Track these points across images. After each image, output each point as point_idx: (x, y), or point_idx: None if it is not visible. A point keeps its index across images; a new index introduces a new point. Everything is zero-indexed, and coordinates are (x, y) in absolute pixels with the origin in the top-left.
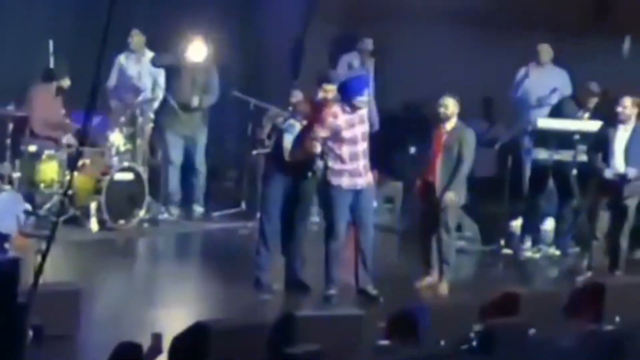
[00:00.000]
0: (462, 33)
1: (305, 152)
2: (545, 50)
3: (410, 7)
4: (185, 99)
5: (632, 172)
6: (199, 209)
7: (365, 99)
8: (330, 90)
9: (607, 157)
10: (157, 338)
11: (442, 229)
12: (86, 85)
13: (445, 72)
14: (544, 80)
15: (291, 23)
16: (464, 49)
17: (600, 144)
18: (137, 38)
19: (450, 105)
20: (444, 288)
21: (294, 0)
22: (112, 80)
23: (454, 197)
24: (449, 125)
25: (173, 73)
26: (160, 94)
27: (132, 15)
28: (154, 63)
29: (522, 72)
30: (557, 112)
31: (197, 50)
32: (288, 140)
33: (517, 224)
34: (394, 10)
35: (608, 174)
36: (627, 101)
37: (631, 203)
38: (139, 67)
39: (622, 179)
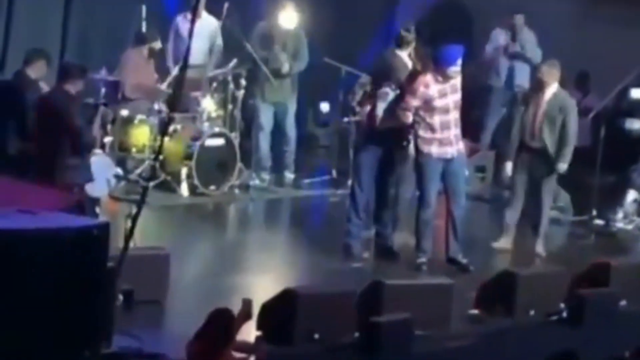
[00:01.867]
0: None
1: (397, 121)
2: None
3: None
4: (276, 65)
5: None
6: (289, 175)
7: (458, 68)
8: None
9: None
10: (247, 304)
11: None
12: None
13: (542, 42)
14: None
15: None
16: (560, 18)
17: None
18: None
19: (545, 73)
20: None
21: None
22: (170, 42)
23: (566, 167)
24: (548, 92)
25: (264, 39)
26: (214, 58)
27: None
28: (253, 33)
29: None
30: None
31: (288, 17)
32: (381, 108)
33: (629, 198)
34: None
35: None
36: None
37: None
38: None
39: None
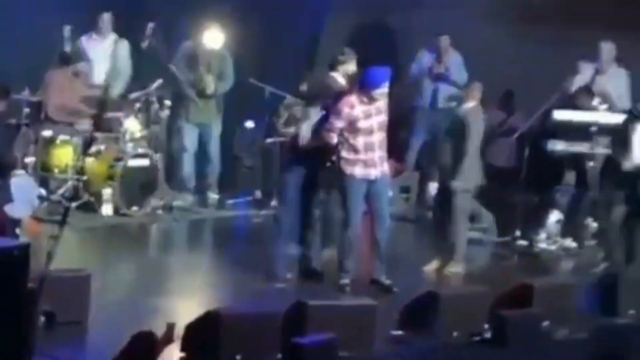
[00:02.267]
0: (486, 22)
1: (321, 141)
2: (608, 49)
3: None
4: (201, 85)
5: None
6: (213, 196)
7: (384, 90)
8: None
9: (626, 151)
10: (170, 327)
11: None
12: None
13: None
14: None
15: (309, 12)
16: (486, 39)
17: (621, 137)
18: (106, 17)
19: (465, 95)
20: (456, 268)
21: None
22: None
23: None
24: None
25: (189, 60)
26: (120, 82)
27: (149, 3)
28: (173, 57)
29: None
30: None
31: (213, 37)
32: (305, 128)
33: (552, 218)
34: None
35: (626, 166)
36: None
37: None
38: (98, 49)
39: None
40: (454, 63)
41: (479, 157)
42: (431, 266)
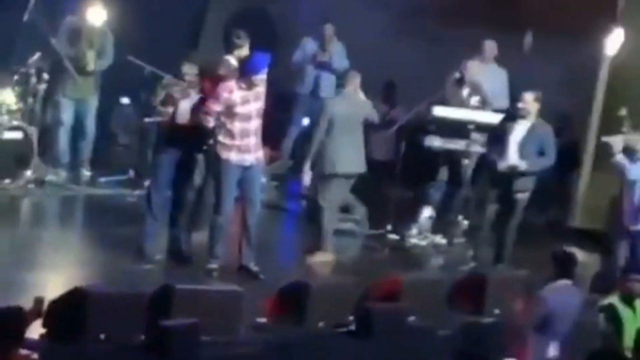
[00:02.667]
0: (373, 14)
1: (197, 122)
2: (490, 47)
3: None
4: (82, 62)
5: (523, 166)
6: (86, 172)
7: (263, 77)
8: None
9: (502, 151)
10: (39, 302)
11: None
12: None
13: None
14: (488, 78)
15: None
16: (370, 30)
17: (498, 137)
18: None
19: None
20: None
21: None
22: None
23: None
24: None
25: (72, 35)
26: None
27: None
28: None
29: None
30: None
31: (96, 14)
32: (184, 107)
33: (424, 214)
34: None
35: (501, 166)
36: (528, 96)
37: (520, 197)
38: None
39: (514, 172)
40: (337, 52)
41: (351, 144)
42: (315, 257)
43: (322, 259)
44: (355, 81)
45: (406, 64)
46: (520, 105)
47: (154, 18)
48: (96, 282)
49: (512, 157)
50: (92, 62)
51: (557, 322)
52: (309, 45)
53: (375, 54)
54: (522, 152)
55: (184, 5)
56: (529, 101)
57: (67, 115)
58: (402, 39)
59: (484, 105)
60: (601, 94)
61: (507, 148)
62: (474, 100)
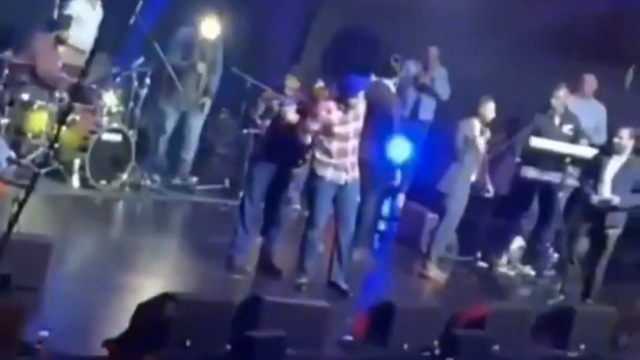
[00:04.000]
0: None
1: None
2: (590, 82)
3: (429, 6)
4: (193, 73)
5: (616, 200)
6: (183, 181)
7: (359, 100)
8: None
9: (596, 185)
10: None
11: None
12: None
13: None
14: (586, 113)
15: (299, 6)
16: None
17: (592, 170)
18: None
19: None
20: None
21: None
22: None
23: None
24: None
25: (185, 46)
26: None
27: None
28: (174, 38)
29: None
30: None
31: (211, 27)
32: (290, 112)
33: (515, 244)
34: (409, 7)
35: (594, 200)
36: (625, 132)
37: (612, 233)
38: (88, 17)
39: (607, 206)
40: (440, 76)
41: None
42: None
43: (439, 275)
44: (488, 106)
45: (510, 94)
46: (616, 140)
47: (258, 30)
48: (185, 289)
49: (606, 191)
50: (204, 74)
51: None
52: (412, 67)
53: (480, 82)
54: (616, 187)
55: (289, 19)
56: (625, 137)
57: (170, 125)
58: (508, 71)
59: (577, 134)
60: None
61: (601, 182)
62: (566, 128)
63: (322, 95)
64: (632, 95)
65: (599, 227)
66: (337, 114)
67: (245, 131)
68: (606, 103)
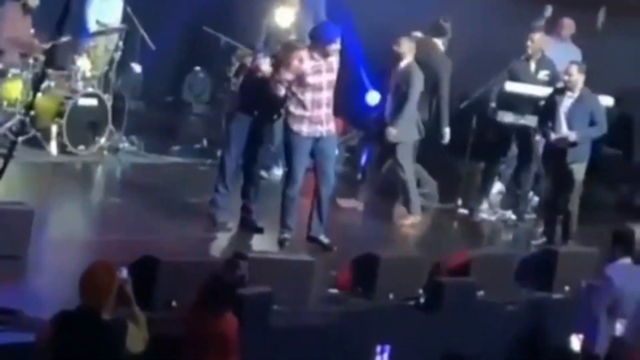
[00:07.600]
0: None
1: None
2: (568, 26)
3: None
4: None
5: (573, 137)
6: (160, 141)
7: (337, 46)
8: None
9: (554, 125)
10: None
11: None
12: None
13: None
14: (562, 56)
15: None
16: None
17: (548, 111)
18: None
19: (402, 45)
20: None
21: None
22: None
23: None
24: (402, 64)
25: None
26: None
27: None
28: None
29: None
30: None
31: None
32: (264, 63)
33: (494, 189)
34: None
35: (552, 138)
36: (573, 68)
37: (577, 168)
38: None
39: (566, 143)
40: None
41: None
42: (407, 219)
43: (413, 221)
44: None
45: (484, 41)
46: (565, 77)
47: None
48: (168, 249)
49: (563, 129)
50: None
51: (623, 301)
52: None
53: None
54: (572, 123)
55: None
56: (574, 73)
57: None
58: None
59: (553, 80)
60: None
61: (557, 121)
62: (542, 74)
63: (295, 46)
64: (604, 38)
65: (562, 164)
66: (309, 62)
67: (221, 90)
68: (579, 47)
